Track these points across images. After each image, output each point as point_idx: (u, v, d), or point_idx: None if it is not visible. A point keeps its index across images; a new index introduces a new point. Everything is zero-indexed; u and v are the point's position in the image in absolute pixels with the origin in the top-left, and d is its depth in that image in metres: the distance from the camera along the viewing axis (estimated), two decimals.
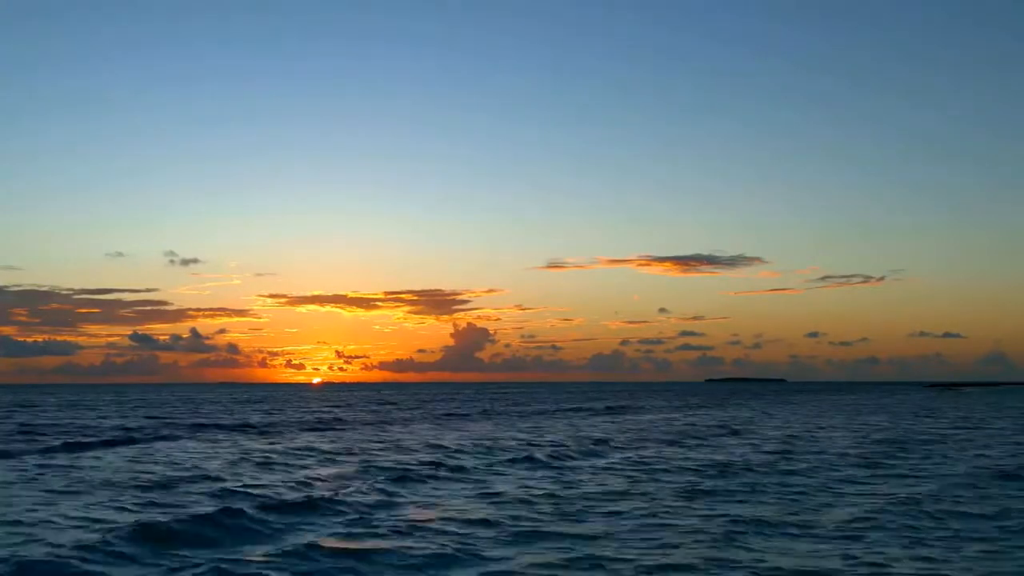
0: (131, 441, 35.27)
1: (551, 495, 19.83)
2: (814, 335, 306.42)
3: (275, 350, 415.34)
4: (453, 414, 62.54)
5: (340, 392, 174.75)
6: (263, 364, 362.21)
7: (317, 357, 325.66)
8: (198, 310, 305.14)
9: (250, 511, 16.61)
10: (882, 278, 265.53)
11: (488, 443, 34.18)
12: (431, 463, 25.68)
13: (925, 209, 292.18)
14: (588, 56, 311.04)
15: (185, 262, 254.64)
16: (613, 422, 52.35)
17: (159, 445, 33.57)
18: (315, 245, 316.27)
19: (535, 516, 17.05)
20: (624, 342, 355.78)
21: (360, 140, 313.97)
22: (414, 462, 26.03)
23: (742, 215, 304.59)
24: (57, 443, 33.00)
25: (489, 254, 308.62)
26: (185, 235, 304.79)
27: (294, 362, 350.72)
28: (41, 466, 25.35)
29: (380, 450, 31.30)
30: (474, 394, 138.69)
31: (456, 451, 30.58)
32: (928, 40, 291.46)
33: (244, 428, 44.65)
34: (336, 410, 70.17)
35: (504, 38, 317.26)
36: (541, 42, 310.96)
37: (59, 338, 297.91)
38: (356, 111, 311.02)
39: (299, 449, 31.45)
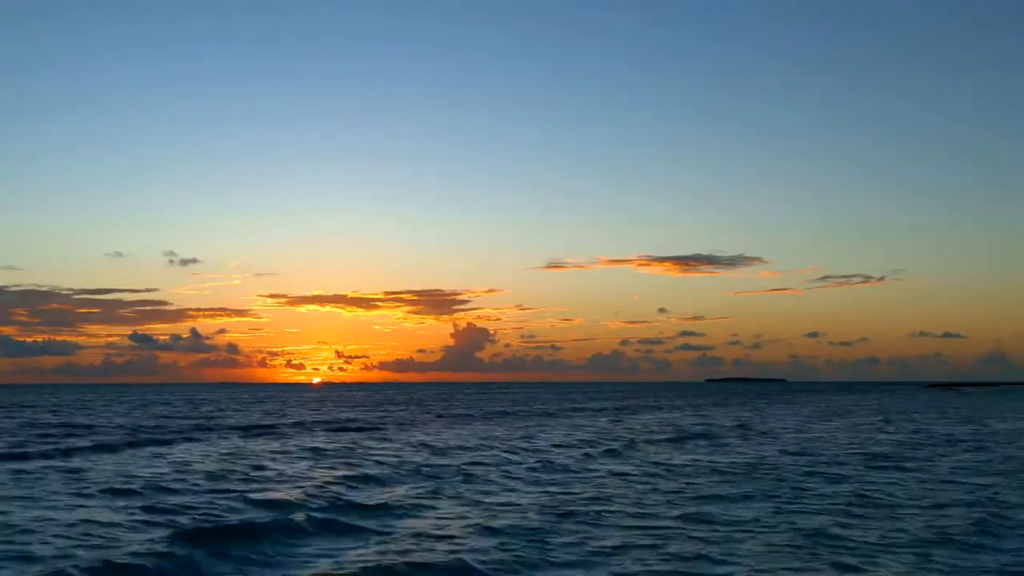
0: (159, 442, 35.42)
1: (576, 500, 20.03)
2: (814, 335, 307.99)
3: (275, 350, 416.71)
4: (464, 415, 62.76)
5: (344, 392, 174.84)
6: (263, 364, 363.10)
7: (317, 357, 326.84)
8: (198, 310, 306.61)
9: (296, 516, 16.86)
10: (882, 278, 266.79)
11: (508, 445, 34.37)
12: (457, 467, 25.78)
13: (925, 209, 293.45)
14: (588, 56, 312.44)
15: (184, 262, 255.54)
16: (624, 422, 52.56)
17: (183, 447, 33.70)
18: (315, 245, 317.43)
19: (563, 526, 16.94)
20: (624, 342, 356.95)
21: (360, 140, 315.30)
22: (440, 465, 26.20)
23: (742, 215, 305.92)
24: (81, 445, 33.22)
25: (489, 254, 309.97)
26: (185, 235, 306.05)
27: (294, 362, 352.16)
28: (68, 468, 25.51)
29: (409, 452, 31.32)
30: (478, 394, 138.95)
31: (481, 452, 30.77)
32: (928, 40, 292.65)
33: (262, 429, 44.84)
34: (349, 411, 70.41)
35: (504, 38, 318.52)
36: (541, 42, 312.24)
37: (59, 338, 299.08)
38: (356, 111, 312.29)
39: (327, 450, 31.60)
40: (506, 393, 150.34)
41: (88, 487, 21.18)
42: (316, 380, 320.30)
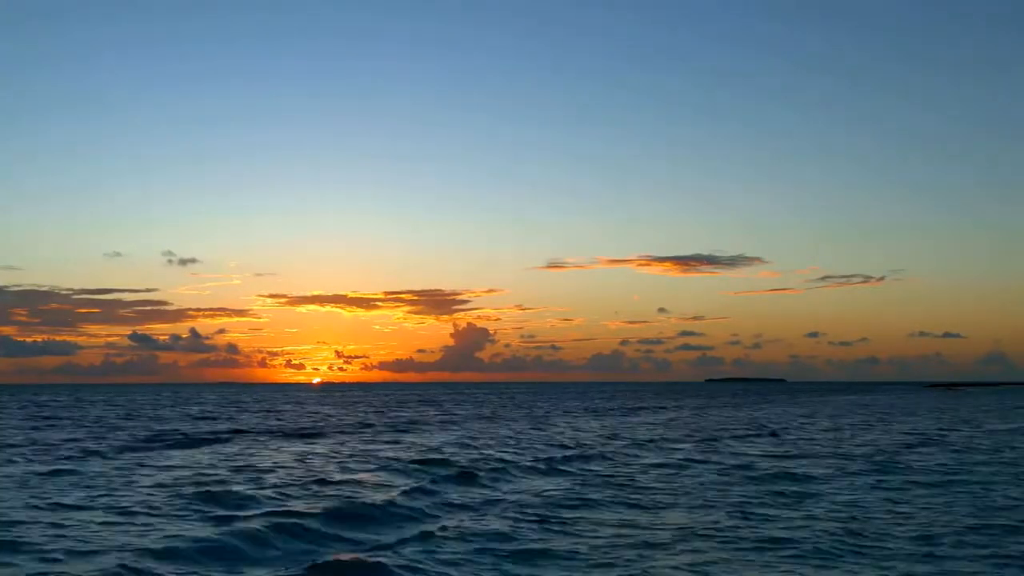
0: (213, 441, 36.16)
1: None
2: (814, 335, 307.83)
3: (275, 350, 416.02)
4: (505, 416, 63.38)
5: (354, 392, 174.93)
6: (263, 364, 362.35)
7: (317, 357, 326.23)
8: (198, 310, 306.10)
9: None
10: (882, 278, 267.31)
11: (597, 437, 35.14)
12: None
13: (925, 209, 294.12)
14: (588, 56, 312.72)
15: (183, 262, 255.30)
16: (658, 422, 53.37)
17: (230, 447, 34.37)
18: (315, 245, 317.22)
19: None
20: (624, 342, 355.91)
21: (360, 140, 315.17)
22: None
23: (742, 215, 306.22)
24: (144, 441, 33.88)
25: (489, 254, 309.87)
26: (184, 235, 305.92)
27: (294, 362, 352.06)
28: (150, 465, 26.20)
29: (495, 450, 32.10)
30: (491, 394, 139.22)
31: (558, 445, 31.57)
32: (928, 40, 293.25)
33: (309, 431, 45.51)
34: (381, 411, 71.00)
35: (504, 38, 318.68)
36: (541, 42, 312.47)
37: (59, 338, 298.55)
38: (356, 111, 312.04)
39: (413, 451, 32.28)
40: (508, 393, 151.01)
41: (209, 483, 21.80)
42: (316, 380, 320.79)
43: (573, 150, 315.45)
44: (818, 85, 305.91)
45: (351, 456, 29.84)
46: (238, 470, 25.10)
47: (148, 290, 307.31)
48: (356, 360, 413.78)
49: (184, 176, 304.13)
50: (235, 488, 20.70)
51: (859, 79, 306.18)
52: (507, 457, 28.98)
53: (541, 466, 26.40)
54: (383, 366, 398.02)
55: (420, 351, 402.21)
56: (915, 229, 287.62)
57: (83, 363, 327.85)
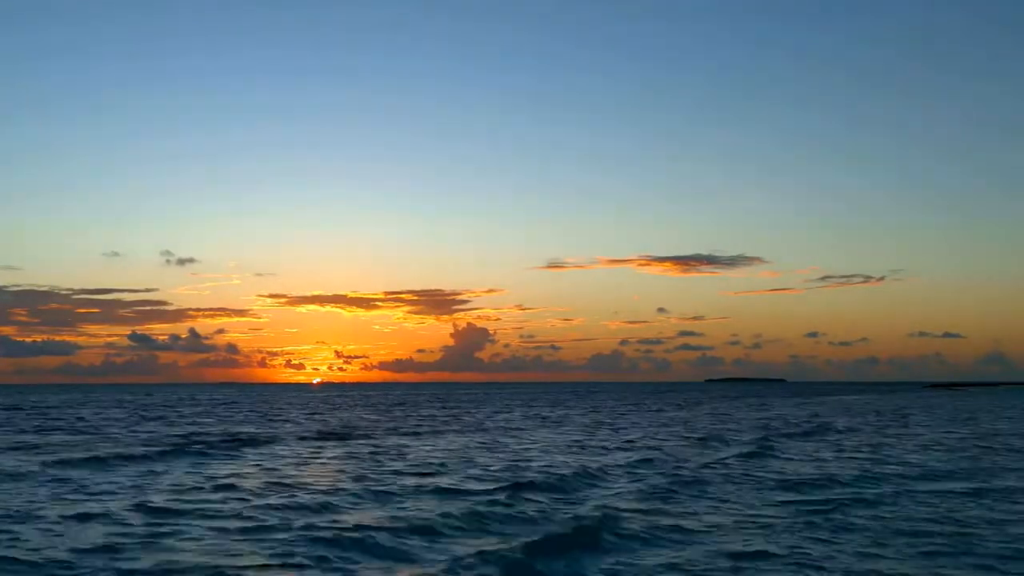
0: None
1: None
2: (814, 335, 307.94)
3: (275, 350, 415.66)
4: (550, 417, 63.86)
5: (358, 392, 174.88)
6: (263, 364, 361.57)
7: (317, 357, 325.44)
8: (197, 310, 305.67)
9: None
10: (882, 278, 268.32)
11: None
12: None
13: (925, 209, 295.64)
14: (589, 56, 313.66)
15: (182, 262, 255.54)
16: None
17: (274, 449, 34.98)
18: (315, 245, 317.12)
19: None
20: (624, 342, 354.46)
21: (360, 140, 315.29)
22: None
23: (742, 215, 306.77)
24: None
25: (489, 254, 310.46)
26: (182, 235, 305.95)
27: (294, 362, 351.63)
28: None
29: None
30: (510, 394, 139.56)
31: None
32: (929, 40, 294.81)
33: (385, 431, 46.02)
34: (415, 412, 71.42)
35: (505, 38, 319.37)
36: (542, 42, 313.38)
37: (58, 338, 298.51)
38: (356, 110, 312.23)
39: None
40: (517, 392, 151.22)
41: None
42: (316, 380, 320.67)
43: (573, 150, 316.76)
44: (818, 85, 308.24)
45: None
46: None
47: (147, 290, 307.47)
48: (356, 360, 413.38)
49: (183, 176, 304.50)
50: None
51: (859, 79, 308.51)
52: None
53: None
54: (383, 366, 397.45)
55: (420, 351, 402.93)
56: (915, 229, 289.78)
57: (83, 363, 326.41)
